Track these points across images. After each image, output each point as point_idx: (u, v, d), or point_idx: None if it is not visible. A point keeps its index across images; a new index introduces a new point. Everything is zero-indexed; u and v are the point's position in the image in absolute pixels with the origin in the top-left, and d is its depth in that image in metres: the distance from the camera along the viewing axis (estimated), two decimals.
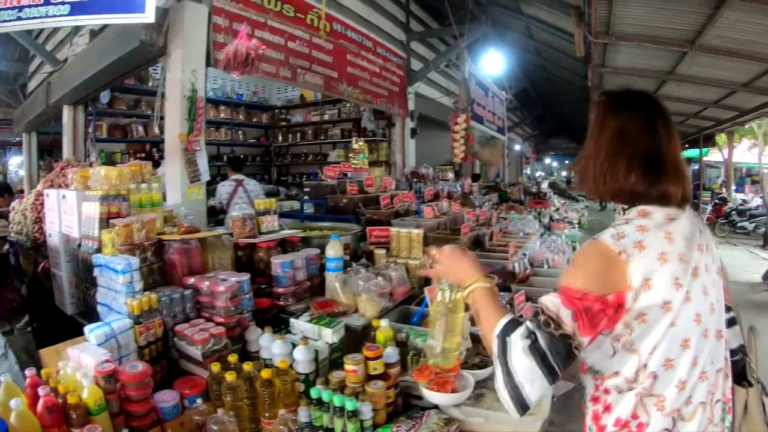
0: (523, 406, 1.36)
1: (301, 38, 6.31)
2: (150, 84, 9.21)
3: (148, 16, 4.31)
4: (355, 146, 6.52)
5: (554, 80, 14.14)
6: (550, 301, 1.40)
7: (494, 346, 1.42)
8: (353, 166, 6.32)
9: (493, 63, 10.22)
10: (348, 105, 11.18)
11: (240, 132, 12.17)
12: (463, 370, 2.15)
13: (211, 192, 6.59)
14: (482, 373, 2.21)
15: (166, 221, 3.26)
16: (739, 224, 16.33)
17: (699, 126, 13.97)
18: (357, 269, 2.99)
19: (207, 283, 2.55)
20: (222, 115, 11.49)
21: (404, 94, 9.28)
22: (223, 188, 7.07)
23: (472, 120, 8.95)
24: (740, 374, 1.66)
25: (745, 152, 27.00)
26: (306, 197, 5.85)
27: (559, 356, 1.34)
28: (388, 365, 2.09)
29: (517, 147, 22.67)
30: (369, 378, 2.04)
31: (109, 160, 8.93)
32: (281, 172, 12.90)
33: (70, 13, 4.33)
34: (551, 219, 9.01)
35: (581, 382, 1.62)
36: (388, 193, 5.50)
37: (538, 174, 31.35)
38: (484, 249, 4.90)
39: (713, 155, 24.03)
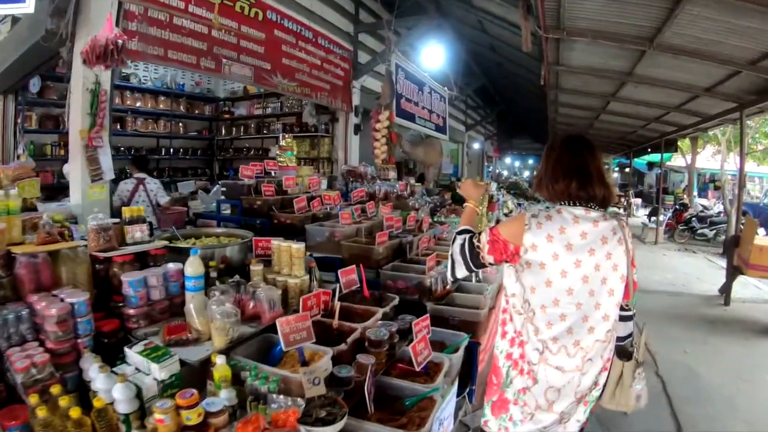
0: (453, 275, 2.38)
1: (228, 27, 6.03)
2: None
3: (28, 6, 4.06)
4: (282, 143, 6.21)
5: (512, 78, 13.94)
6: (485, 230, 2.29)
7: (453, 236, 2.41)
8: (279, 164, 6.01)
9: (432, 57, 9.67)
10: (291, 99, 10.90)
11: (181, 124, 11.83)
12: (304, 425, 1.86)
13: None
14: (327, 431, 1.91)
15: (36, 229, 2.96)
16: (699, 231, 16.30)
17: (661, 131, 13.89)
18: (219, 289, 2.69)
19: (43, 303, 2.27)
20: (161, 106, 11.16)
21: (349, 88, 9.00)
22: (124, 186, 6.71)
23: (399, 117, 8.51)
24: (627, 353, 2.40)
25: (709, 158, 27.26)
26: (222, 197, 5.53)
27: (471, 256, 2.29)
28: (209, 414, 1.79)
29: (477, 145, 22.50)
30: (184, 428, 1.74)
31: (40, 153, 8.70)
32: (223, 167, 12.50)
33: None
34: (498, 223, 8.73)
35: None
36: (305, 194, 5.19)
37: (501, 172, 31.27)
38: (406, 259, 4.59)
39: (678, 160, 24.25)
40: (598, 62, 8.08)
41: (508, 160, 36.88)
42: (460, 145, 20.21)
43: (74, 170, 4.80)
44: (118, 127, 10.08)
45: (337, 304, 2.83)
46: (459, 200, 10.86)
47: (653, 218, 17.52)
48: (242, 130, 12.21)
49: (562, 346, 2.16)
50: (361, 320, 2.90)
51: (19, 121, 7.85)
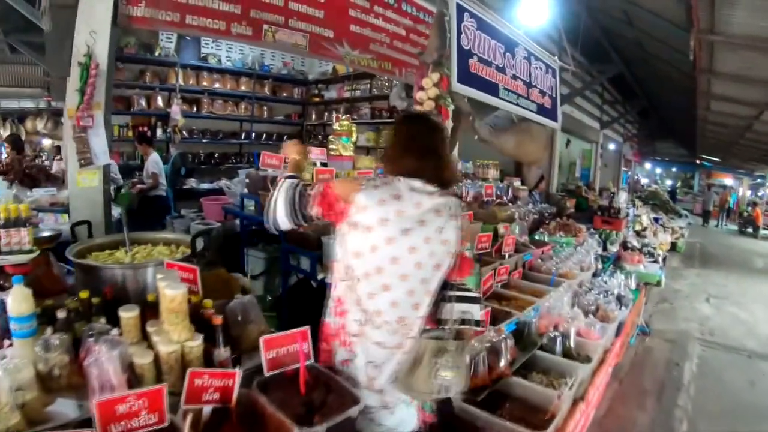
0: (273, 223, 2.24)
1: None
2: (157, 53, 9.39)
3: None
4: (336, 126, 5.03)
5: (654, 63, 11.62)
6: (319, 183, 2.26)
7: (278, 180, 2.29)
8: (331, 152, 4.90)
9: (533, 10, 6.85)
10: (381, 80, 9.90)
11: (265, 107, 11.52)
12: None
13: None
14: None
15: None
16: None
17: None
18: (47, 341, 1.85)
19: None
20: (243, 87, 10.97)
21: None
22: None
23: (463, 85, 5.92)
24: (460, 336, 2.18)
25: None
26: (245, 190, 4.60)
27: (300, 205, 2.17)
28: None
29: (612, 146, 20.09)
30: None
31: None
32: None
33: None
34: (626, 247, 6.90)
35: None
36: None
37: (640, 179, 28.36)
38: None
39: None
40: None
41: (647, 165, 33.67)
42: (593, 145, 18.00)
43: (68, 154, 4.31)
44: (194, 109, 10.10)
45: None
46: (585, 209, 9.09)
47: None
48: (334, 115, 11.36)
49: (384, 321, 2.13)
50: None
51: None
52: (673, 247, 13.13)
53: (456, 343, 2.11)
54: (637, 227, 9.06)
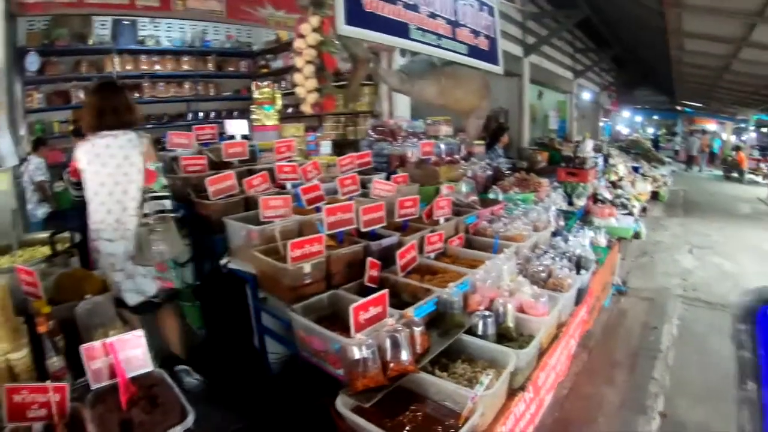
0: (72, 193, 3.52)
1: None
2: (91, 42, 9.03)
3: None
4: (256, 95, 4.56)
5: (620, 2, 11.15)
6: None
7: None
8: (255, 122, 4.47)
9: None
10: None
11: (211, 85, 11.04)
12: None
13: None
14: None
15: None
16: None
17: None
18: None
19: None
20: (185, 66, 10.49)
21: None
22: None
23: (356, 27, 4.52)
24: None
25: None
26: None
27: (68, 178, 3.36)
28: None
29: (587, 95, 19.66)
30: None
31: (49, 131, 8.80)
32: None
33: None
34: (596, 199, 6.48)
35: None
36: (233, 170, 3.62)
37: (620, 129, 27.90)
38: (371, 281, 2.97)
39: None
40: None
41: (626, 114, 33.15)
42: (568, 96, 17.80)
43: None
44: (135, 94, 9.59)
45: None
46: (558, 161, 8.50)
47: None
48: (282, 85, 10.75)
49: (107, 224, 3.20)
50: None
51: None
52: (656, 196, 12.80)
53: (162, 225, 3.13)
54: (612, 177, 8.68)
